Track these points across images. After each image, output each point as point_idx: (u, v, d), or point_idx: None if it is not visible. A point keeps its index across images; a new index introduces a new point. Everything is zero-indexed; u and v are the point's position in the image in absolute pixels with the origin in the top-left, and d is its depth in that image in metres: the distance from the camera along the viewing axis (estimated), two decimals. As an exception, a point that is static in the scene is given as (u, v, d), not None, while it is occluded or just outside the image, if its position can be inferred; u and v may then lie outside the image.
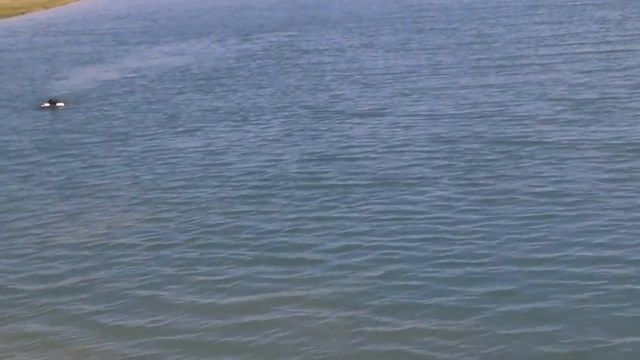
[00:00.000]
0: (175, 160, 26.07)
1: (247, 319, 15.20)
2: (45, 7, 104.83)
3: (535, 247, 17.10)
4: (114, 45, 59.62)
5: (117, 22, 78.66)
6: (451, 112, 29.33)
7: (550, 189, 20.44)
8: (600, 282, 15.34)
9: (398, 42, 49.04)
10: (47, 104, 36.51)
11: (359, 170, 23.29)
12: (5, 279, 17.89)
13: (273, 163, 24.78)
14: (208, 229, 19.69)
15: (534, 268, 16.15)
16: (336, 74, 39.62)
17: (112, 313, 15.88)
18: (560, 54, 39.44)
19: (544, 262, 16.38)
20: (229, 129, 30.03)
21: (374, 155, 24.70)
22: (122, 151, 27.80)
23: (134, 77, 43.49)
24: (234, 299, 16.04)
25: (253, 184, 22.92)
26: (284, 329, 14.73)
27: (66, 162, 26.87)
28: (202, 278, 17.05)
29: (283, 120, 30.60)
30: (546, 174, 21.56)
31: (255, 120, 30.93)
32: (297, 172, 23.58)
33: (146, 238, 19.47)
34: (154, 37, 63.20)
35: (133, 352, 14.41)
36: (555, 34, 46.22)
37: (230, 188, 22.72)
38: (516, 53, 40.95)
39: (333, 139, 27.05)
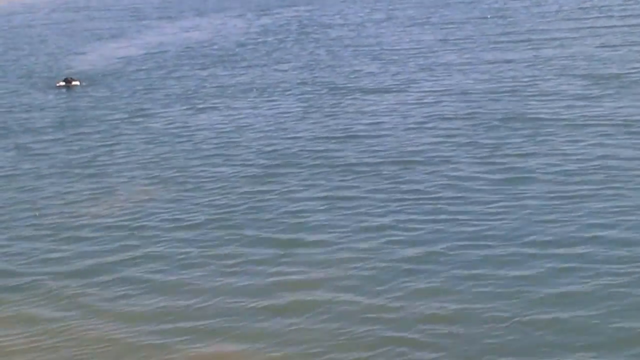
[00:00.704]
0: (194, 139, 25.74)
1: (267, 301, 14.94)
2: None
3: (565, 228, 16.60)
4: (133, 20, 59.17)
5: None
6: (474, 89, 28.71)
7: (578, 167, 19.89)
8: (633, 264, 14.86)
9: (419, 15, 48.17)
10: (62, 83, 35.72)
11: (379, 149, 22.83)
12: (24, 260, 17.68)
13: (293, 141, 24.36)
14: (228, 209, 19.35)
15: (563, 250, 15.68)
16: (356, 49, 39.01)
17: (133, 295, 15.66)
18: (587, 27, 38.53)
19: (573, 244, 15.89)
20: (249, 105, 29.64)
21: (395, 134, 24.20)
22: (139, 129, 27.49)
23: (152, 54, 43.09)
24: (255, 281, 15.75)
25: (275, 162, 22.53)
26: (302, 312, 14.44)
27: (83, 141, 26.59)
28: (223, 261, 16.75)
29: (303, 97, 30.12)
30: (574, 152, 20.99)
31: (275, 97, 30.50)
32: (319, 151, 23.17)
33: (166, 218, 19.20)
34: (173, 12, 62.64)
35: (154, 337, 14.20)
36: (581, 7, 45.12)
37: (251, 167, 22.35)
38: (540, 27, 40.13)
39: (354, 117, 26.56)
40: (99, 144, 26.11)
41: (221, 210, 19.31)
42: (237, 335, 13.94)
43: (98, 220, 19.41)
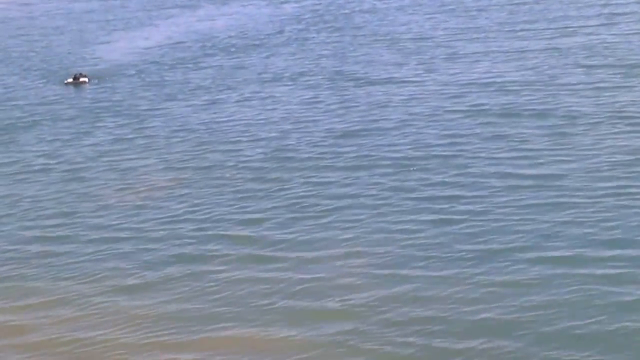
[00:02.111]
0: (216, 130, 25.20)
1: (285, 290, 14.99)
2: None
3: (601, 230, 15.55)
4: (152, 10, 58.30)
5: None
6: (495, 81, 27.42)
7: (608, 165, 18.69)
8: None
9: (448, 1, 46.62)
10: (70, 80, 34.27)
11: (405, 143, 22.07)
12: (39, 244, 17.97)
13: (307, 134, 23.70)
14: (252, 202, 19.04)
15: (615, 253, 14.63)
16: (377, 38, 37.78)
17: (152, 274, 16.00)
18: (616, 14, 37.03)
19: (625, 247, 14.84)
20: (269, 97, 28.90)
21: (410, 127, 23.31)
22: (161, 122, 26.89)
23: (171, 44, 42.23)
24: (275, 274, 15.66)
25: (300, 155, 22.00)
26: (323, 296, 14.43)
27: (104, 136, 26.08)
28: (235, 245, 16.77)
29: (327, 88, 29.23)
30: (602, 149, 19.77)
31: (301, 88, 29.65)
32: (345, 145, 22.52)
33: (190, 214, 18.95)
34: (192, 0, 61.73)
35: (179, 309, 14.51)
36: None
37: (272, 160, 21.82)
38: (571, 12, 38.59)
39: (368, 110, 25.73)
40: (121, 137, 25.64)
41: (244, 203, 19.04)
42: (259, 323, 13.94)
43: (124, 211, 19.36)
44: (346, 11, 47.39)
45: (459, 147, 21.17)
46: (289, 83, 30.66)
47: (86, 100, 31.61)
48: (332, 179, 19.89)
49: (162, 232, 17.90)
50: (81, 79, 34.12)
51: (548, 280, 14.04)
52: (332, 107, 26.58)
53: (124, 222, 18.72)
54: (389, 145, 22.03)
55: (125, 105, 29.90)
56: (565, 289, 13.70)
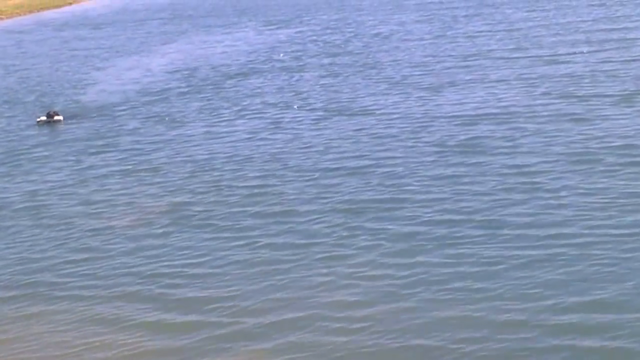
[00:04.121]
0: (204, 164, 24.87)
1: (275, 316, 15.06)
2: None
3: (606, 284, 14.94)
4: (154, 35, 58.08)
5: (168, 12, 76.61)
6: (499, 111, 26.65)
7: (618, 205, 18.00)
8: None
9: (449, 26, 46.23)
10: (43, 118, 32.66)
11: (398, 176, 21.55)
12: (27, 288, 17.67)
13: (310, 167, 23.27)
14: (240, 235, 18.97)
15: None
16: (375, 66, 37.41)
17: (159, 307, 16.00)
18: (612, 40, 36.58)
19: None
20: (251, 128, 28.60)
21: (415, 159, 22.74)
22: (143, 158, 26.43)
23: (160, 74, 41.99)
24: (277, 293, 15.91)
25: (285, 197, 21.39)
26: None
27: (101, 169, 25.73)
28: (241, 270, 16.93)
29: (312, 120, 28.85)
30: (610, 187, 19.07)
31: (290, 119, 29.30)
32: (333, 184, 21.87)
33: (185, 242, 18.98)
34: (197, 25, 61.61)
35: (179, 343, 14.56)
36: (606, 17, 43.09)
37: (268, 194, 21.53)
38: (562, 38, 38.10)
39: (367, 142, 25.16)
40: (112, 171, 25.23)
41: (239, 242, 18.72)
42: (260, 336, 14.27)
43: (122, 253, 18.97)
44: (344, 38, 47.13)
45: (464, 181, 20.48)
46: (283, 113, 30.24)
47: (72, 134, 31.05)
48: (334, 217, 19.27)
49: (156, 275, 17.49)
50: (55, 118, 32.54)
51: (574, 325, 13.69)
52: (329, 139, 26.00)
53: (121, 261, 18.32)
54: (393, 178, 21.45)
55: (114, 138, 29.54)
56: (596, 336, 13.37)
